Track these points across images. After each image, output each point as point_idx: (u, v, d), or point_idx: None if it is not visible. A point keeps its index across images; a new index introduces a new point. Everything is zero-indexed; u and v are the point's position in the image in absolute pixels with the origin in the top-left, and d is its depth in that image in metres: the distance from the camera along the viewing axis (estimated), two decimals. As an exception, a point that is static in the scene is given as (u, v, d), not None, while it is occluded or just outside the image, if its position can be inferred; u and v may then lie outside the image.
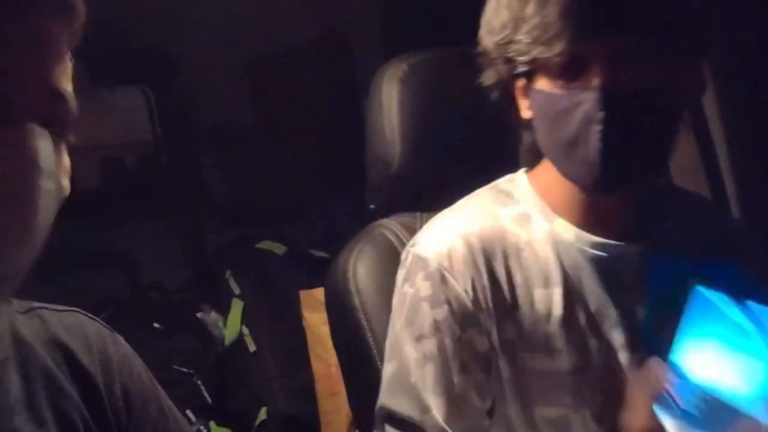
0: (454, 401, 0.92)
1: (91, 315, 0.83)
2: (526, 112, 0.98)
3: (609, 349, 0.94)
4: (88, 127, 2.11)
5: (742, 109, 1.32)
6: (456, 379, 0.93)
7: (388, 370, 0.97)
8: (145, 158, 2.39)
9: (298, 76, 2.35)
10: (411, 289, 0.97)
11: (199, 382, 1.82)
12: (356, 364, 1.14)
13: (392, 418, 0.95)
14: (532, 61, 0.91)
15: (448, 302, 0.95)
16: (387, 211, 1.25)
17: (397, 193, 1.23)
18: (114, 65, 2.39)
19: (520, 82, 0.97)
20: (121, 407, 0.76)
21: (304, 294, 1.88)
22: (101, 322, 0.83)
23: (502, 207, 1.01)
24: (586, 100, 0.88)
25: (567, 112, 0.90)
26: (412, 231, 1.15)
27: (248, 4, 2.15)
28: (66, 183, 0.65)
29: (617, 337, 0.94)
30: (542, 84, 0.93)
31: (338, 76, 2.22)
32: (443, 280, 0.95)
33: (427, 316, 0.95)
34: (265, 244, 2.11)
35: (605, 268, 0.96)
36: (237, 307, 1.98)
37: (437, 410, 0.91)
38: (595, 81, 0.88)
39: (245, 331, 1.96)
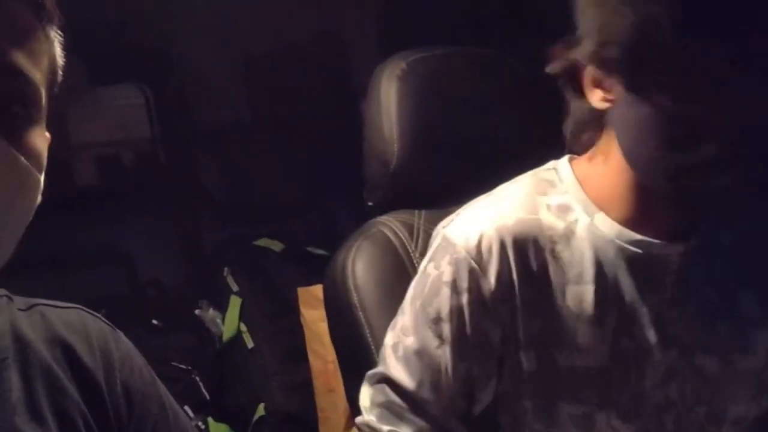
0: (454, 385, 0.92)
1: (92, 312, 0.83)
2: (600, 103, 0.90)
3: (640, 350, 0.92)
4: (87, 125, 2.12)
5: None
6: (466, 365, 0.92)
7: (406, 341, 0.95)
8: (143, 156, 2.38)
9: (295, 75, 2.35)
10: (435, 270, 0.95)
11: (197, 379, 1.82)
12: (354, 361, 1.14)
13: (393, 384, 0.94)
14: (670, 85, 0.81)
15: (470, 291, 0.92)
16: (385, 208, 1.25)
17: (396, 191, 1.23)
18: (112, 63, 2.39)
19: (612, 75, 0.87)
20: (122, 404, 0.76)
21: (301, 291, 1.89)
22: (103, 318, 0.83)
23: (542, 196, 0.97)
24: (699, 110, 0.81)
25: (686, 121, 0.82)
26: (410, 228, 1.15)
27: (246, 3, 2.14)
28: (34, 168, 0.64)
29: (650, 338, 0.92)
30: (662, 95, 0.82)
31: (335, 75, 2.22)
32: (469, 269, 0.93)
33: (446, 300, 0.93)
34: (263, 242, 2.11)
35: (643, 266, 0.92)
36: (235, 304, 1.98)
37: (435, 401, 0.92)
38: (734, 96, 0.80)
39: (243, 327, 1.96)
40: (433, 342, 0.93)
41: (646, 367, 0.92)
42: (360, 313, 1.12)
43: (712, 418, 0.94)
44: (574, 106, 0.97)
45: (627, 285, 0.93)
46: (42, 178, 0.67)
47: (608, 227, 0.93)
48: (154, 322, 1.87)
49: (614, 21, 0.83)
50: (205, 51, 2.36)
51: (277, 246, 2.09)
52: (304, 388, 1.76)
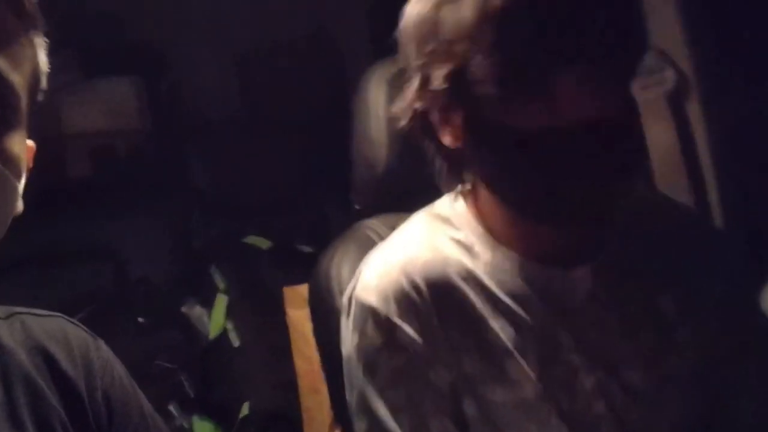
0: None
1: (73, 320, 0.82)
2: (452, 141, 0.90)
3: (567, 375, 0.91)
4: (81, 116, 2.10)
5: (725, 108, 1.32)
6: (432, 423, 0.89)
7: (360, 428, 0.92)
8: (135, 149, 2.37)
9: (287, 72, 2.34)
10: (363, 340, 0.92)
11: (182, 377, 1.80)
12: (337, 365, 1.13)
13: None
14: (494, 94, 0.83)
15: (405, 348, 0.90)
16: (373, 211, 1.24)
17: (383, 195, 1.22)
18: (107, 56, 2.38)
19: (453, 111, 0.89)
20: (103, 413, 0.75)
21: (287, 290, 1.87)
22: (83, 327, 0.82)
23: (441, 235, 0.96)
24: (549, 132, 0.81)
25: (525, 144, 0.83)
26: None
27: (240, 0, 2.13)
28: (11, 174, 0.63)
29: (574, 362, 0.91)
30: (497, 114, 0.84)
31: (327, 73, 2.21)
32: (394, 326, 0.90)
33: (386, 365, 0.90)
34: (251, 239, 2.10)
35: (553, 294, 0.92)
36: (221, 302, 1.97)
37: None
38: (561, 112, 0.81)
39: (229, 326, 1.95)
40: (389, 415, 0.89)
41: (576, 390, 0.91)
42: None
43: (649, 428, 0.92)
44: (434, 150, 0.95)
45: (541, 314, 0.91)
46: (20, 184, 0.65)
47: (511, 261, 0.92)
48: (141, 319, 1.85)
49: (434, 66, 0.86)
50: (198, 47, 2.36)
51: (264, 243, 2.08)
52: (289, 387, 1.75)
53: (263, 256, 2.06)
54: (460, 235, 0.95)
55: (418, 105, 0.91)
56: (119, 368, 0.82)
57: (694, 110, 1.27)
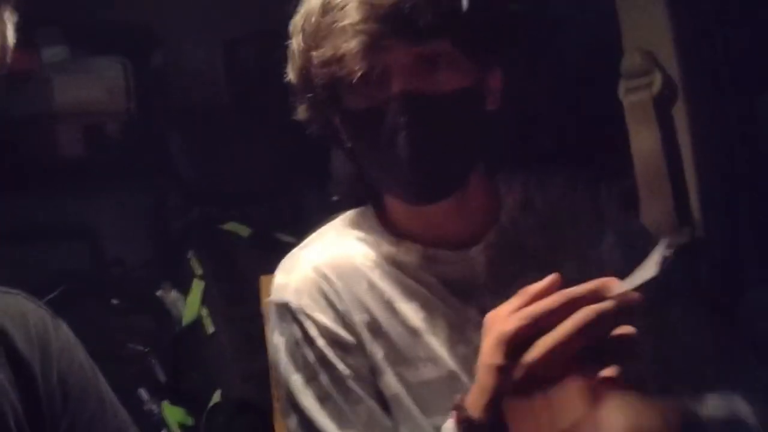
0: (365, 430, 0.91)
1: (32, 299, 0.79)
2: (347, 142, 0.98)
3: (478, 353, 0.91)
4: (70, 94, 2.05)
5: (711, 113, 1.31)
6: (359, 407, 0.92)
7: (291, 424, 0.95)
8: (118, 129, 2.34)
9: (274, 59, 2.30)
10: (282, 337, 0.96)
11: (153, 361, 1.77)
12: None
13: None
14: (333, 84, 0.91)
15: (321, 335, 0.94)
16: (351, 203, 1.22)
17: (360, 187, 1.20)
18: (95, 36, 2.34)
19: (332, 111, 0.96)
20: (57, 395, 0.73)
21: (264, 279, 1.84)
22: (45, 307, 0.79)
23: (348, 236, 1.02)
24: (389, 110, 0.89)
25: (374, 125, 0.90)
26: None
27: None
28: None
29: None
30: (346, 103, 0.93)
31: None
32: (308, 316, 0.95)
33: (307, 356, 0.94)
34: (231, 226, 2.07)
35: (456, 276, 0.96)
36: (197, 287, 1.94)
37: None
38: (395, 89, 0.88)
39: (204, 312, 1.92)
40: (316, 404, 0.92)
41: None
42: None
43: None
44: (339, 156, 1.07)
45: (446, 296, 0.96)
46: None
47: (413, 253, 0.98)
48: (114, 301, 1.81)
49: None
50: (187, 30, 2.32)
51: (244, 231, 2.05)
52: (261, 376, 1.72)
53: (242, 244, 2.03)
54: (367, 237, 1.01)
55: (305, 108, 0.99)
56: (79, 352, 0.79)
57: (679, 114, 1.26)
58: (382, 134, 0.90)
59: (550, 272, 0.95)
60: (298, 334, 0.94)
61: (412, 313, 0.95)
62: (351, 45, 0.86)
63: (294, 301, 0.95)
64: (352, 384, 0.92)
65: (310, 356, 0.93)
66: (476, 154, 0.97)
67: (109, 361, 1.67)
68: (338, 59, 0.87)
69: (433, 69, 0.89)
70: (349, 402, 0.92)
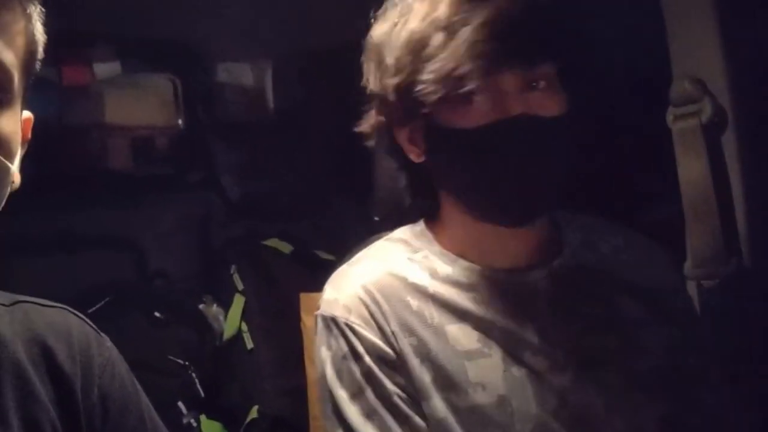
0: None
1: (77, 313, 0.79)
2: (416, 156, 0.97)
3: (533, 377, 0.91)
4: (121, 110, 2.09)
5: (761, 142, 1.28)
6: (405, 426, 0.90)
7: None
8: (167, 145, 2.37)
9: (320, 78, 2.31)
10: (330, 351, 0.95)
11: (193, 375, 1.77)
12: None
13: None
14: (441, 100, 0.88)
15: (368, 353, 0.93)
16: (391, 223, 1.21)
17: (402, 207, 1.19)
18: (146, 54, 2.38)
19: (412, 126, 0.95)
20: (97, 412, 0.73)
21: (304, 296, 1.84)
22: (89, 322, 0.79)
23: (398, 255, 1.00)
24: (501, 130, 0.87)
25: (479, 144, 0.89)
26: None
27: (277, 5, 2.11)
28: (3, 154, 0.60)
29: (540, 363, 0.92)
30: (452, 121, 0.90)
31: (357, 84, 2.18)
32: (355, 333, 0.94)
33: (354, 371, 0.93)
34: (273, 242, 2.07)
35: (512, 297, 0.95)
36: (239, 302, 1.94)
37: None
38: (511, 111, 0.87)
39: (244, 327, 1.92)
40: (362, 420, 0.90)
41: (544, 392, 0.91)
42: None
43: (630, 428, 0.91)
44: (402, 170, 1.03)
45: (504, 318, 0.94)
46: (14, 162, 0.63)
47: (470, 272, 0.96)
48: (157, 314, 1.82)
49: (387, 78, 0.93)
50: (235, 49, 2.35)
51: (286, 248, 2.05)
52: (298, 394, 1.72)
53: (283, 260, 2.03)
54: (418, 256, 1.00)
55: (379, 121, 0.98)
56: (121, 367, 0.79)
57: (729, 143, 1.22)
58: (487, 154, 0.88)
59: (610, 308, 0.96)
60: (345, 348, 0.93)
61: (462, 335, 0.93)
62: (469, 64, 0.85)
63: (342, 316, 0.95)
64: (398, 401, 0.91)
65: (357, 372, 0.92)
66: (567, 179, 0.95)
67: (150, 373, 1.69)
68: (454, 77, 0.86)
69: (539, 92, 0.89)
70: (395, 419, 0.90)
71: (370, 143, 1.02)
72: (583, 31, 0.94)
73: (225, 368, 1.90)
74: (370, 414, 0.91)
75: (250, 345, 1.89)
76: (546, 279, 0.96)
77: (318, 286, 1.78)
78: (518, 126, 0.87)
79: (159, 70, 2.41)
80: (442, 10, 0.88)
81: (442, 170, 0.96)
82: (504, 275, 0.96)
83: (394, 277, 0.97)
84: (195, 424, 1.72)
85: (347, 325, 0.94)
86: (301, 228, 2.16)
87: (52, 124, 2.08)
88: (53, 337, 0.73)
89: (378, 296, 0.95)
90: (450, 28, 0.87)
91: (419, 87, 0.89)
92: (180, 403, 1.72)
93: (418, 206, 1.06)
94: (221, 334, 1.91)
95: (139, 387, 0.80)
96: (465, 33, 0.85)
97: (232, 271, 1.99)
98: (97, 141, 2.34)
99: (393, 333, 0.93)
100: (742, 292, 1.20)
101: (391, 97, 0.93)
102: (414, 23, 0.91)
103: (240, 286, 1.96)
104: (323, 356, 0.96)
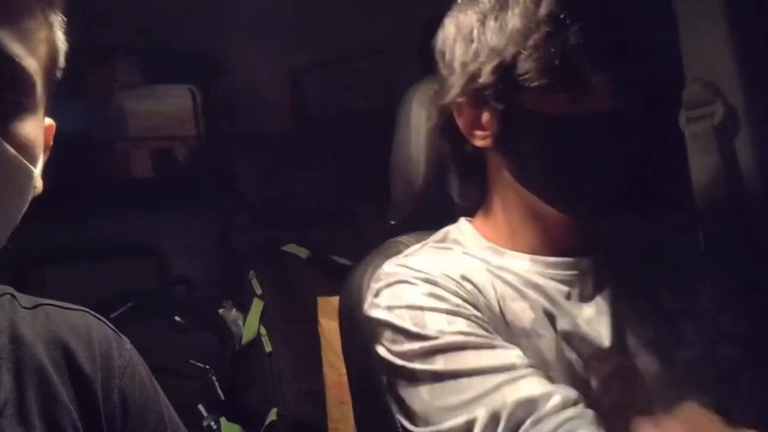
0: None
1: (98, 316, 0.79)
2: (482, 141, 0.96)
3: (583, 359, 0.92)
4: (142, 119, 2.11)
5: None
6: (498, 341, 0.87)
7: (435, 366, 0.86)
8: (188, 154, 2.38)
9: (337, 88, 2.32)
10: (403, 305, 0.91)
11: (213, 378, 1.77)
12: (363, 379, 1.09)
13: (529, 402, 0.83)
14: (542, 87, 0.87)
15: (453, 294, 0.91)
16: (407, 227, 1.21)
17: (419, 212, 1.18)
18: (167, 65, 2.39)
19: (487, 109, 0.94)
20: (117, 413, 0.72)
21: (321, 300, 1.84)
22: (110, 324, 0.79)
23: (451, 245, 1.01)
24: (595, 124, 0.87)
25: (569, 136, 0.88)
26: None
27: (294, 14, 2.12)
28: (24, 159, 0.60)
29: (589, 347, 0.92)
30: (538, 107, 0.89)
31: (377, 91, 2.18)
32: (431, 281, 0.92)
33: (436, 311, 0.89)
34: (290, 247, 2.07)
35: (562, 286, 0.95)
36: (257, 307, 1.94)
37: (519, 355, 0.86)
38: (603, 105, 0.87)
39: (263, 331, 1.92)
40: (465, 336, 0.86)
41: (591, 375, 0.91)
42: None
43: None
44: (454, 157, 1.03)
45: (556, 301, 0.94)
46: (37, 168, 0.63)
47: (521, 261, 0.96)
48: (177, 318, 1.83)
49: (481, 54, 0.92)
50: (254, 59, 2.35)
51: (303, 253, 2.05)
52: (316, 397, 1.71)
53: (301, 266, 2.03)
54: (472, 251, 0.99)
55: (460, 99, 0.96)
56: (142, 370, 0.78)
57: (742, 144, 1.20)
58: (582, 144, 0.88)
59: (652, 299, 0.96)
60: (422, 296, 0.90)
61: (521, 313, 0.92)
62: (577, 56, 0.85)
63: (416, 274, 0.92)
64: (488, 325, 0.89)
65: (442, 308, 0.89)
66: (648, 173, 0.95)
67: (171, 376, 1.69)
68: (557, 66, 0.85)
69: (637, 86, 0.89)
70: (497, 339, 0.88)
71: (432, 124, 1.03)
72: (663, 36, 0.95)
73: (244, 371, 1.90)
74: (467, 335, 0.86)
75: (268, 348, 1.89)
76: (592, 268, 0.96)
77: (334, 290, 1.78)
78: (616, 120, 0.87)
79: (179, 81, 2.43)
80: (545, 6, 0.88)
81: (518, 155, 0.94)
82: (552, 264, 0.96)
83: (453, 263, 0.96)
84: (215, 427, 1.72)
85: (424, 279, 0.92)
86: (318, 234, 2.16)
87: (76, 133, 2.09)
88: (74, 339, 0.73)
89: (442, 275, 0.93)
90: (556, 21, 0.86)
91: (522, 71, 0.87)
92: (200, 406, 1.72)
93: (465, 196, 1.06)
94: (240, 338, 1.91)
95: (159, 388, 0.80)
96: (573, 29, 0.85)
97: (250, 276, 2.00)
98: (119, 150, 2.35)
99: (468, 292, 0.92)
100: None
101: (485, 77, 0.91)
102: (516, 19, 0.89)
103: (258, 291, 1.97)
104: (393, 317, 0.91)
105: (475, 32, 0.93)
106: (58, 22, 0.65)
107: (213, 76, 2.43)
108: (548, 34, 0.87)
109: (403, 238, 1.18)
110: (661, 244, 1.03)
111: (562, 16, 0.87)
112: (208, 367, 1.77)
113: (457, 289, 0.92)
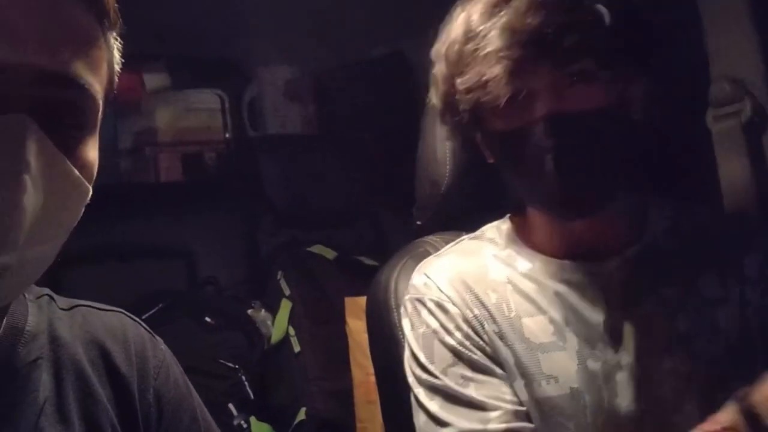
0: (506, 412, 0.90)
1: (133, 317, 0.80)
2: (490, 158, 0.98)
3: (607, 368, 0.90)
4: (172, 124, 2.13)
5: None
6: (502, 389, 0.91)
7: (431, 406, 0.93)
8: (216, 158, 2.40)
9: (360, 90, 2.32)
10: (420, 329, 0.97)
11: (243, 378, 1.78)
12: (390, 378, 1.10)
13: None
14: (478, 108, 0.89)
15: (458, 328, 0.94)
16: (432, 228, 1.21)
17: (444, 212, 1.18)
18: (195, 70, 2.41)
19: (476, 131, 0.96)
20: (153, 412, 0.73)
21: (348, 300, 1.84)
22: (144, 325, 0.80)
23: (485, 252, 1.02)
24: (536, 131, 0.86)
25: (520, 145, 0.88)
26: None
27: (316, 19, 2.13)
28: (85, 179, 0.61)
29: (614, 355, 0.91)
30: (491, 125, 0.91)
31: (398, 94, 2.17)
32: (445, 310, 0.95)
33: (447, 344, 0.94)
34: (317, 248, 2.07)
35: (590, 291, 0.94)
36: (285, 307, 1.94)
37: (496, 417, 0.89)
38: (541, 111, 0.86)
39: (291, 331, 1.92)
40: (458, 383, 0.91)
41: (617, 383, 0.90)
42: (398, 331, 1.08)
43: (706, 411, 0.86)
44: (434, 176, 1.09)
45: (579, 309, 0.93)
46: (91, 186, 0.64)
47: (549, 267, 0.96)
48: (208, 319, 1.84)
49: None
50: (279, 64, 2.37)
51: (330, 254, 2.05)
52: (344, 396, 1.71)
53: (328, 266, 2.03)
54: (503, 253, 1.00)
55: (447, 128, 1.00)
56: (176, 369, 0.79)
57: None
58: (529, 154, 0.88)
59: (689, 289, 0.95)
60: (435, 324, 0.95)
61: (538, 329, 0.93)
62: (495, 71, 0.84)
63: (433, 295, 0.97)
64: (491, 365, 0.92)
65: (449, 344, 0.94)
66: (623, 170, 0.93)
67: (202, 376, 1.70)
68: (482, 85, 0.86)
69: (578, 88, 0.86)
70: (491, 377, 0.92)
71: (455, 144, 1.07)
72: (634, 20, 0.90)
73: (273, 371, 1.91)
74: (465, 381, 0.91)
75: (297, 348, 1.89)
76: (620, 268, 0.94)
77: (361, 290, 1.78)
78: (554, 125, 0.85)
79: (207, 86, 2.44)
80: (474, 19, 0.88)
81: (503, 172, 0.97)
82: (580, 267, 0.95)
83: (479, 268, 0.99)
84: (245, 426, 1.72)
85: (437, 303, 0.96)
86: (344, 235, 2.16)
87: (106, 139, 2.11)
88: (110, 339, 0.73)
89: (462, 285, 0.97)
90: (478, 38, 0.86)
91: (457, 97, 0.90)
92: (231, 405, 1.73)
93: (510, 201, 1.07)
94: (269, 338, 1.91)
95: (192, 388, 0.80)
96: (489, 41, 0.85)
97: (278, 277, 2.00)
98: (148, 155, 2.37)
99: (476, 317, 0.95)
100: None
101: (441, 109, 0.96)
102: (453, 35, 0.91)
103: (287, 291, 1.97)
104: (412, 336, 0.98)
105: (435, 60, 0.96)
106: (116, 44, 0.66)
107: (241, 82, 2.45)
108: (472, 50, 0.88)
109: (429, 239, 1.18)
110: (708, 229, 1.00)
111: (484, 26, 0.86)
112: (237, 366, 1.78)
113: (467, 315, 0.95)
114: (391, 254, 1.21)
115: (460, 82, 0.88)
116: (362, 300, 1.74)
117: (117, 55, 0.67)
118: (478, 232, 1.07)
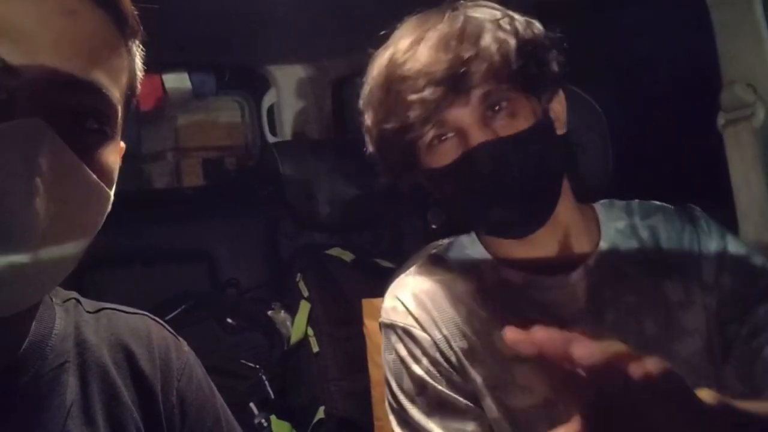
0: None
1: (157, 319, 0.80)
2: (434, 194, 1.00)
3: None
4: (193, 131, 2.14)
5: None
6: (467, 416, 0.92)
7: None
8: (238, 163, 2.41)
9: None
10: (390, 355, 0.98)
11: (264, 377, 1.79)
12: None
13: None
14: (409, 149, 0.91)
15: (425, 354, 0.95)
16: (448, 231, 1.20)
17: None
18: (216, 78, 2.43)
19: (414, 171, 0.97)
20: (176, 413, 0.73)
21: (366, 302, 1.83)
22: (168, 327, 0.80)
23: (455, 260, 1.02)
24: (468, 162, 0.87)
25: (455, 178, 0.89)
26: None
27: (335, 28, 2.13)
28: (105, 185, 0.61)
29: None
30: (427, 163, 0.93)
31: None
32: (412, 336, 0.96)
33: (412, 374, 0.95)
34: (335, 251, 2.08)
35: (557, 301, 0.94)
36: (304, 308, 1.95)
37: None
38: (469, 143, 0.87)
39: (310, 332, 1.92)
40: (424, 418, 0.92)
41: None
42: (413, 333, 1.07)
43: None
44: None
45: (547, 320, 0.90)
46: (113, 191, 0.64)
47: (516, 278, 0.97)
48: (229, 320, 1.85)
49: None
50: (297, 72, 2.37)
51: (347, 256, 2.05)
52: (362, 395, 1.70)
53: (346, 269, 2.04)
54: (472, 263, 1.01)
55: (389, 175, 1.02)
56: (199, 371, 0.80)
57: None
58: (464, 184, 0.89)
59: (649, 296, 0.93)
60: (404, 352, 0.96)
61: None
62: (417, 113, 0.86)
63: (397, 320, 0.98)
64: (456, 397, 0.92)
65: (415, 373, 0.94)
66: (559, 183, 0.94)
67: (224, 376, 1.71)
68: (408, 128, 0.88)
69: (500, 114, 0.88)
70: (454, 413, 0.92)
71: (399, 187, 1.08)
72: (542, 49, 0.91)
73: (293, 371, 1.91)
74: (430, 412, 0.92)
75: (315, 349, 1.90)
76: (583, 278, 0.94)
77: (378, 292, 1.77)
78: (477, 156, 0.87)
79: (228, 92, 2.46)
80: (392, 61, 0.91)
81: (445, 204, 0.99)
82: (545, 279, 0.95)
83: (448, 283, 0.99)
84: (266, 424, 1.73)
85: (405, 330, 0.97)
86: (362, 238, 2.17)
87: (130, 145, 2.13)
88: (135, 342, 0.74)
89: (432, 301, 0.97)
90: (396, 84, 0.88)
91: (387, 142, 0.93)
92: (252, 404, 1.74)
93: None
94: (289, 339, 1.92)
95: (214, 389, 0.81)
96: (408, 86, 0.87)
97: (297, 279, 2.00)
98: (171, 161, 2.39)
99: (445, 337, 0.95)
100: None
101: (376, 154, 0.99)
102: (371, 84, 0.95)
103: (305, 293, 1.97)
104: (385, 360, 0.99)
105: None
106: (137, 52, 0.67)
107: (259, 88, 2.46)
108: (381, 96, 0.91)
109: (444, 242, 1.17)
110: (663, 237, 0.99)
111: (394, 73, 0.89)
112: (258, 366, 1.79)
113: (436, 336, 0.95)
114: (409, 256, 1.21)
115: (389, 128, 0.90)
116: (379, 302, 1.74)
117: (139, 63, 0.67)
118: (445, 244, 1.07)
